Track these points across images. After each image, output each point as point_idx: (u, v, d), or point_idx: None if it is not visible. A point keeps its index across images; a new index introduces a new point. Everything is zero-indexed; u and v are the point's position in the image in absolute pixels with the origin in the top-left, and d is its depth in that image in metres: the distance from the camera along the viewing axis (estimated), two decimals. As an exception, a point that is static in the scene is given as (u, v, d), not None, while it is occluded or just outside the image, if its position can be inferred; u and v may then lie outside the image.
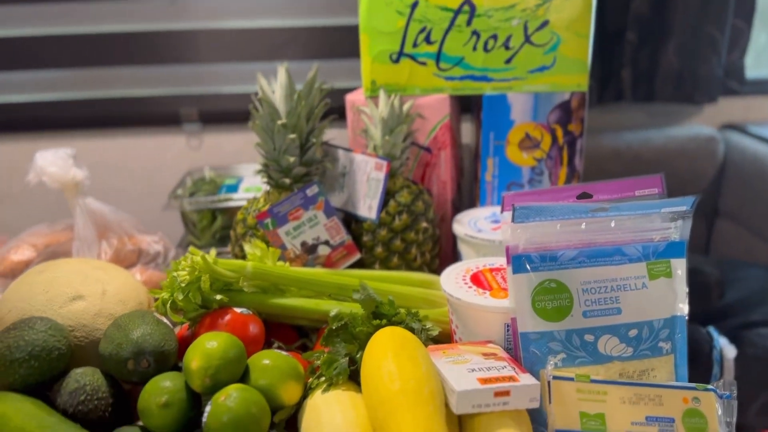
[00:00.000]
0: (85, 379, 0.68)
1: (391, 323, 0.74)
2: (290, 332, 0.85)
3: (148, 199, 1.44)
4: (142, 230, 1.03)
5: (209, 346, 0.66)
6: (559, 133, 1.03)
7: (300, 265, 0.89)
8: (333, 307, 0.81)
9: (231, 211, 1.09)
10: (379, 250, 0.92)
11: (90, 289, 0.77)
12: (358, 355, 0.71)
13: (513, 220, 0.71)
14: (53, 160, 0.90)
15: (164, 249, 1.04)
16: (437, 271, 1.00)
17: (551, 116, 1.02)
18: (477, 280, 0.81)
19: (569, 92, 1.01)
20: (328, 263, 0.90)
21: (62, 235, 1.00)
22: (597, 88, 1.57)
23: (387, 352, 0.66)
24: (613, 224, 0.70)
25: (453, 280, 0.81)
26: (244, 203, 1.07)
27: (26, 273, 0.81)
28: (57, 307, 0.75)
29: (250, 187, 1.15)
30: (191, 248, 0.78)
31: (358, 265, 0.93)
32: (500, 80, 1.00)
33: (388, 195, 0.93)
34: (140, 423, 0.68)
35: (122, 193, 1.44)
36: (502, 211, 0.74)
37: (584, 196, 0.73)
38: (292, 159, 0.85)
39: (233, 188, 1.15)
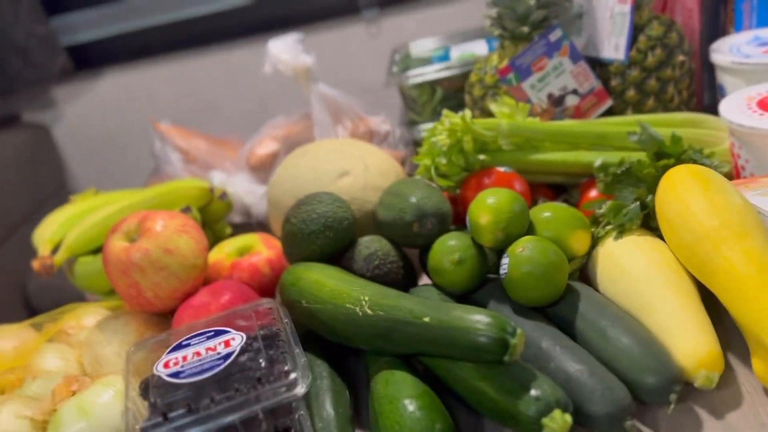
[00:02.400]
0: (373, 245, 0.70)
1: (678, 162, 0.68)
2: (546, 191, 0.82)
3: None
4: (370, 112, 1.03)
5: (493, 202, 0.65)
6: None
7: (548, 119, 0.84)
8: (595, 158, 0.76)
9: (450, 81, 1.05)
10: (630, 93, 0.84)
11: (353, 165, 0.79)
12: (648, 199, 0.66)
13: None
14: (284, 47, 0.91)
15: (391, 128, 1.04)
16: (696, 110, 0.90)
17: None
18: (766, 106, 0.71)
19: None
20: (578, 114, 0.84)
21: (297, 125, 1.03)
22: None
23: (694, 188, 0.60)
24: None
25: (737, 110, 0.72)
26: (468, 70, 1.03)
27: (288, 157, 0.84)
28: (327, 184, 0.77)
29: (464, 53, 1.10)
30: (446, 111, 0.76)
31: (608, 113, 0.86)
32: None
33: (635, 30, 0.83)
34: (428, 283, 0.70)
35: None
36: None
37: None
38: (531, 2, 0.78)
39: (444, 58, 1.11)
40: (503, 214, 0.64)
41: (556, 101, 0.83)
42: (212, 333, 0.57)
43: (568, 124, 0.78)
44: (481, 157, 0.74)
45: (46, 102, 1.89)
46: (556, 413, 0.50)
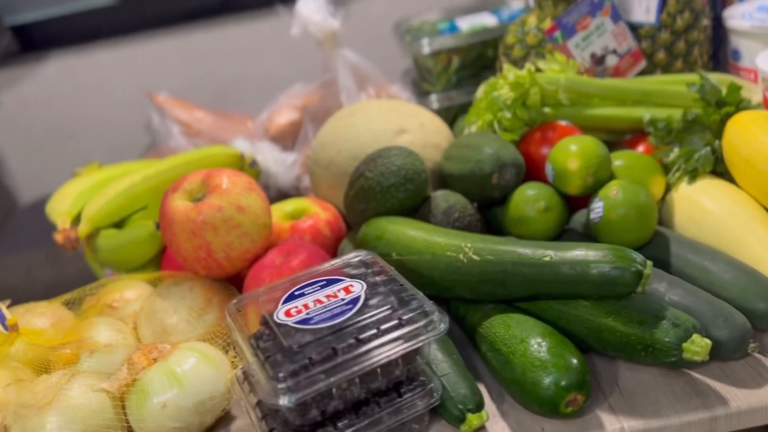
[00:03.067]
0: (451, 199, 0.68)
1: (738, 110, 0.71)
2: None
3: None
4: (388, 81, 1.02)
5: (579, 148, 0.65)
6: None
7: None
8: (644, 113, 0.78)
9: (465, 51, 1.05)
10: (660, 56, 0.87)
11: (409, 122, 0.77)
12: (716, 144, 0.69)
13: None
14: (316, 7, 0.88)
15: (410, 98, 1.03)
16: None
17: None
18: (804, 59, 0.76)
19: None
20: (617, 73, 0.86)
21: (317, 93, 0.99)
22: None
23: (771, 126, 0.63)
24: None
25: (777, 63, 0.76)
26: (486, 38, 1.03)
27: (334, 118, 0.81)
28: (386, 142, 0.75)
29: (474, 24, 1.10)
30: (507, 65, 0.75)
31: (639, 75, 0.89)
32: None
33: (665, -6, 0.86)
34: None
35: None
36: None
37: None
38: (577, -38, 0.80)
39: (452, 29, 1.11)
40: (593, 159, 0.65)
41: (598, 60, 0.85)
42: (324, 282, 0.54)
43: (616, 81, 0.79)
44: (546, 110, 0.74)
45: (-14, 86, 1.73)
46: (696, 337, 0.50)
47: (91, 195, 0.82)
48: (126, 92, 1.66)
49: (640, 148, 0.78)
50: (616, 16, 0.84)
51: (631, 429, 0.51)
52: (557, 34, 0.83)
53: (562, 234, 0.68)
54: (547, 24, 0.84)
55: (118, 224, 0.81)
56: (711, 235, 0.64)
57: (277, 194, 0.94)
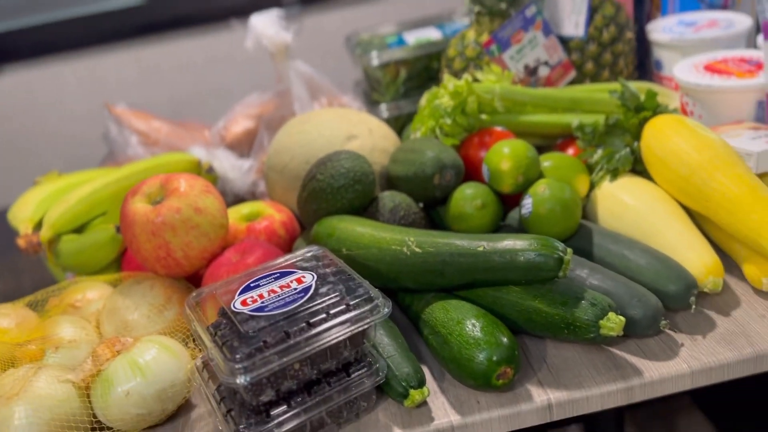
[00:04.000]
0: (396, 198, 0.74)
1: (655, 114, 0.78)
2: (526, 152, 0.90)
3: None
4: (340, 91, 1.07)
5: (510, 150, 0.72)
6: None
7: (524, 88, 0.92)
8: (572, 119, 0.85)
9: (412, 63, 1.11)
10: (588, 66, 0.95)
11: (358, 129, 0.82)
12: (635, 145, 0.76)
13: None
14: (269, 22, 0.92)
15: (360, 107, 1.09)
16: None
17: None
18: (713, 69, 0.84)
19: None
20: (549, 83, 0.93)
21: (271, 103, 1.04)
22: None
23: (682, 129, 0.70)
24: None
25: (689, 73, 0.84)
26: (432, 51, 1.09)
27: (288, 125, 0.86)
28: (337, 147, 0.80)
29: (420, 38, 1.16)
30: (447, 76, 0.81)
31: (569, 85, 0.96)
32: None
33: (591, 9, 0.94)
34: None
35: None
36: (760, -14, 0.75)
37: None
38: (510, -19, 0.87)
39: (400, 42, 1.17)
40: (523, 160, 0.71)
41: (531, 72, 0.92)
42: (278, 274, 0.58)
43: (548, 90, 0.86)
44: (483, 116, 0.81)
45: (-62, 100, 1.72)
46: (611, 315, 0.57)
47: (53, 202, 0.85)
48: (82, 105, 1.68)
49: (570, 151, 0.85)
50: (547, 31, 0.91)
51: (557, 399, 0.57)
52: (493, 47, 0.89)
53: (498, 229, 0.74)
54: (485, 38, 0.91)
55: (79, 230, 0.84)
56: (630, 227, 0.70)
57: (234, 199, 0.98)
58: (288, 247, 0.78)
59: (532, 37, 0.90)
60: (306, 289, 0.56)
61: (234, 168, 0.93)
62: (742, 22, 0.95)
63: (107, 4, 1.66)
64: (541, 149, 0.91)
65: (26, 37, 1.69)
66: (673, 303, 0.62)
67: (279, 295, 0.55)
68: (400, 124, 1.07)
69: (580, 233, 0.70)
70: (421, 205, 0.76)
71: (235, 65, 1.59)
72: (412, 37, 1.19)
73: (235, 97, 1.13)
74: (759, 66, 0.82)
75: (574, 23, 0.94)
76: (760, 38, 0.79)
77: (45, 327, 0.67)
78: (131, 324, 0.67)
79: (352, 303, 0.54)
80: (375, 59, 1.09)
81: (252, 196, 0.96)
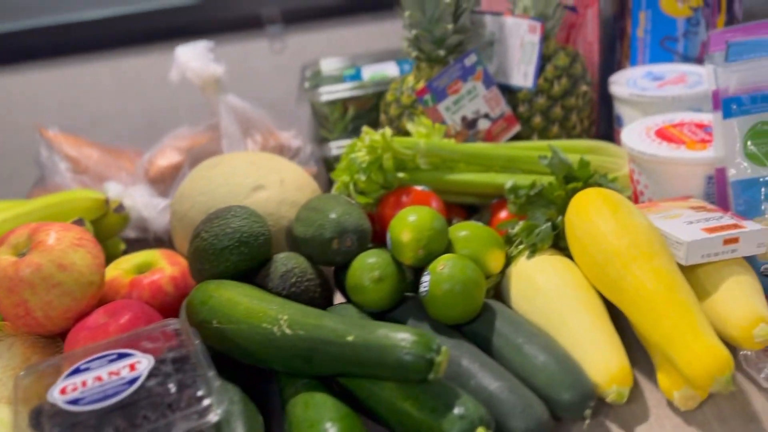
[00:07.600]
0: (290, 262, 0.67)
1: (586, 186, 0.71)
2: (460, 210, 0.83)
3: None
4: (279, 127, 1.01)
5: (415, 219, 0.65)
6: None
7: (461, 141, 0.85)
8: (507, 180, 0.78)
9: (362, 100, 1.05)
10: (537, 120, 0.88)
11: (268, 179, 0.76)
12: (558, 220, 0.69)
13: (726, 59, 0.65)
14: (194, 54, 0.87)
15: (303, 144, 1.03)
16: (595, 138, 0.95)
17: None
18: (664, 135, 0.77)
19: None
20: (489, 137, 0.86)
21: (203, 136, 0.98)
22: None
23: (603, 209, 0.63)
24: None
25: (637, 139, 0.77)
26: (380, 90, 1.03)
27: (197, 168, 0.80)
28: (241, 198, 0.74)
29: (376, 74, 1.10)
30: (365, 128, 0.75)
31: (514, 139, 0.89)
32: None
33: (543, 59, 0.87)
34: (344, 302, 0.68)
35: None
36: (708, 52, 0.68)
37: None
38: (449, 26, 0.80)
39: (356, 77, 1.11)
40: (425, 232, 0.64)
41: (470, 124, 0.85)
42: (114, 356, 0.52)
43: (481, 146, 0.80)
44: (400, 174, 0.74)
45: None
46: (481, 430, 0.50)
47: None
48: (17, 123, 1.63)
49: (503, 214, 0.78)
50: (488, 82, 0.84)
51: None
52: (427, 96, 0.83)
53: (400, 302, 0.67)
54: (420, 85, 0.84)
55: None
56: (539, 313, 0.63)
57: (155, 240, 0.93)
58: (177, 305, 0.72)
59: (472, 88, 0.83)
60: (133, 381, 0.49)
61: (148, 206, 0.87)
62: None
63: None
64: (475, 209, 0.84)
65: (2, 44, 1.66)
66: (566, 413, 0.55)
67: (102, 385, 0.49)
68: (344, 165, 1.01)
69: (483, 316, 0.63)
70: (323, 269, 0.70)
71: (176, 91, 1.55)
72: (369, 72, 1.13)
73: (179, 122, 1.08)
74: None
75: (522, 73, 0.87)
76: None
77: None
78: (-21, 388, 0.61)
79: (178, 403, 0.48)
80: (323, 95, 1.03)
81: (171, 237, 0.90)
